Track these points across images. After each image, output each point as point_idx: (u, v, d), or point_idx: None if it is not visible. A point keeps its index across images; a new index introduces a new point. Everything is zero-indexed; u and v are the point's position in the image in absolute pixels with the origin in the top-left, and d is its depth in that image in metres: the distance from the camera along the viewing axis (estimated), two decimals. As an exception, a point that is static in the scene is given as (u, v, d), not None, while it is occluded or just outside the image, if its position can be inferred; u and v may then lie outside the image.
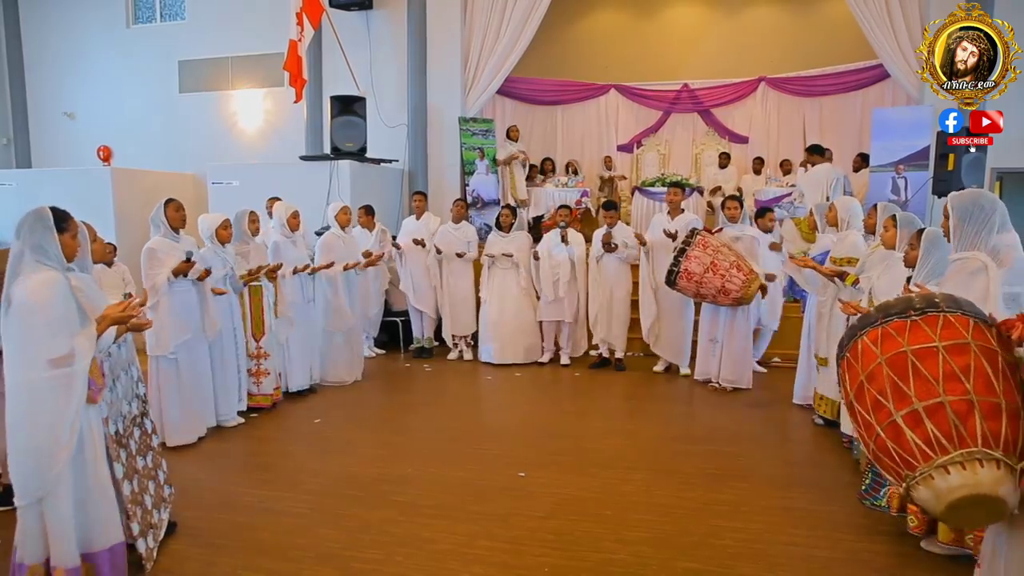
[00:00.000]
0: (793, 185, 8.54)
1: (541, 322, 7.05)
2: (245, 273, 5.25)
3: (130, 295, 5.15)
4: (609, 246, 6.56)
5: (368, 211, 7.23)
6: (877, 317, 2.16)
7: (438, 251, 7.11)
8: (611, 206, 6.88)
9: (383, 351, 7.69)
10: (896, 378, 2.02)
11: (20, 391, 2.55)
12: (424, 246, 7.13)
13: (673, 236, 6.18)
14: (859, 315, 2.56)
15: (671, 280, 5.97)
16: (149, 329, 4.36)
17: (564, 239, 6.81)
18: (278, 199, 6.35)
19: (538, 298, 6.99)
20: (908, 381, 2.00)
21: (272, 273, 5.44)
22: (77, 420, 2.58)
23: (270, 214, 6.16)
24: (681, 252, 5.88)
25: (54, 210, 2.71)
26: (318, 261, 6.07)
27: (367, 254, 6.60)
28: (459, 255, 7.13)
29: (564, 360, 7.05)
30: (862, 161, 8.55)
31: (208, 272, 4.71)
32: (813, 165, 7.95)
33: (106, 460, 2.81)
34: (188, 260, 4.53)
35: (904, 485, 2.00)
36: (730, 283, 5.70)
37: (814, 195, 7.46)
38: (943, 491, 1.90)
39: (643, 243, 6.46)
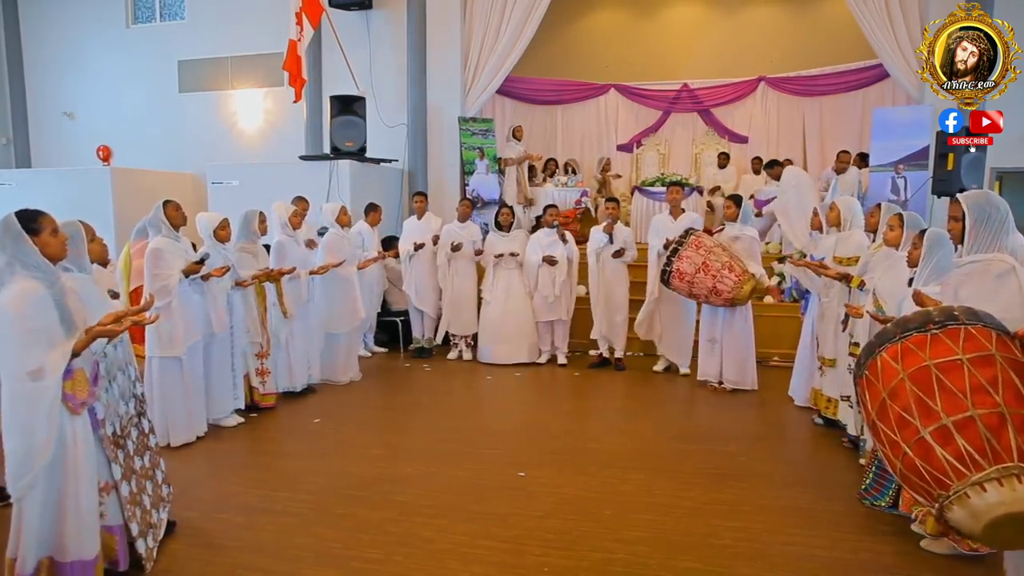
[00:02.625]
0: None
1: (538, 322, 7.05)
2: (259, 272, 5.29)
3: (116, 294, 5.13)
4: (619, 252, 6.56)
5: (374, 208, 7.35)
6: (896, 332, 2.08)
7: (455, 248, 7.05)
8: (613, 199, 6.91)
9: (384, 349, 7.69)
10: (921, 393, 1.95)
11: (5, 396, 2.56)
12: (422, 247, 7.13)
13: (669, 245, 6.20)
14: (877, 330, 2.46)
15: (664, 279, 5.99)
16: (155, 329, 4.40)
17: (563, 238, 6.81)
18: (304, 199, 6.50)
19: (532, 298, 6.99)
20: (934, 396, 1.93)
21: (280, 275, 5.45)
22: (51, 432, 2.55)
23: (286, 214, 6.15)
24: (674, 252, 5.89)
25: (21, 213, 2.64)
26: (322, 261, 6.07)
27: (394, 254, 6.85)
28: (477, 252, 7.13)
29: (561, 360, 7.04)
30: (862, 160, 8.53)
31: (221, 270, 4.76)
32: (778, 179, 8.00)
33: (92, 472, 2.77)
34: (201, 261, 4.55)
35: (937, 505, 1.91)
36: (721, 284, 5.69)
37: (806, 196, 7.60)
38: (980, 510, 1.81)
39: (667, 247, 6.25)
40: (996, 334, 2.01)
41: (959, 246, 2.80)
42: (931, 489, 1.93)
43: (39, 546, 2.65)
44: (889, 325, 2.18)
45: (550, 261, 6.78)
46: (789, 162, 9.06)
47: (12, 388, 2.53)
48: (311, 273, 5.82)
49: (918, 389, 1.97)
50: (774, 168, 8.37)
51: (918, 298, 2.80)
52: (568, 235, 6.96)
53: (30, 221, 2.62)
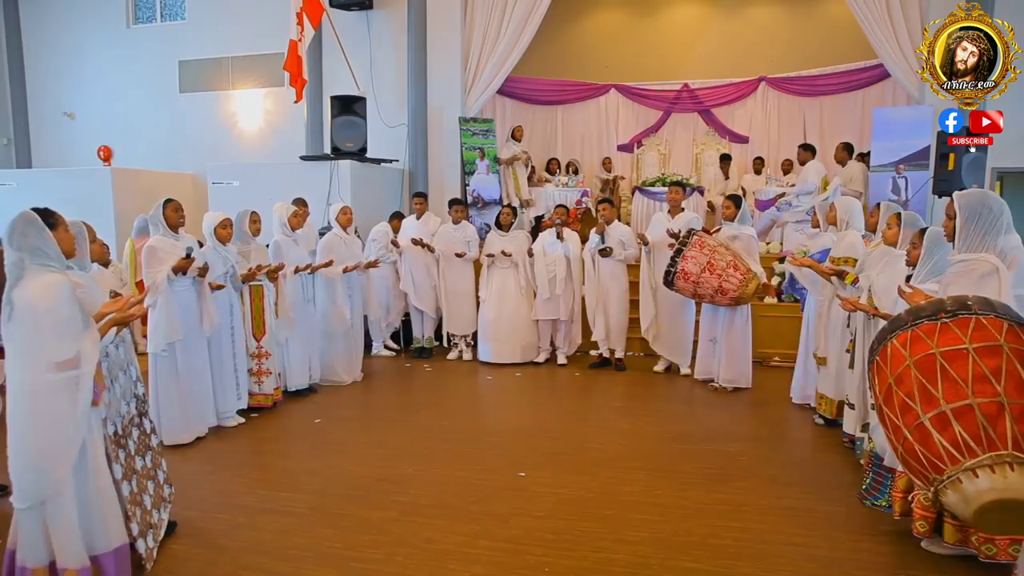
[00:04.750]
0: (792, 185, 8.58)
1: (537, 321, 7.05)
2: (245, 273, 5.23)
3: (118, 295, 5.13)
4: (605, 251, 6.56)
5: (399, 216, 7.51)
6: (907, 320, 2.12)
7: (431, 251, 7.12)
8: (607, 201, 6.93)
9: (393, 352, 7.65)
10: (924, 380, 1.99)
11: (24, 395, 2.54)
12: (423, 246, 7.13)
13: (677, 236, 6.17)
14: (889, 319, 2.48)
15: (668, 281, 5.97)
16: (145, 325, 4.41)
17: (560, 236, 6.82)
18: (303, 202, 6.51)
19: (534, 296, 7.00)
20: (936, 383, 1.97)
21: (273, 273, 5.44)
22: (84, 423, 2.58)
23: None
24: (678, 252, 5.88)
25: (39, 210, 2.69)
26: (319, 261, 6.07)
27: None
28: (458, 255, 7.13)
29: (561, 360, 7.05)
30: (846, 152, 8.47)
31: (206, 269, 4.71)
32: (804, 164, 8.01)
33: (106, 462, 2.81)
34: (188, 256, 4.53)
35: (932, 489, 1.96)
36: (727, 283, 5.69)
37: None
38: (972, 495, 1.86)
39: (645, 242, 6.46)
40: (1008, 324, 2.02)
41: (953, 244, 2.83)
42: (927, 473, 1.98)
43: (84, 544, 2.64)
44: (902, 313, 2.21)
45: (528, 252, 6.88)
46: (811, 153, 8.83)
47: (39, 384, 2.51)
48: (296, 271, 5.76)
49: (922, 376, 2.01)
50: (808, 151, 8.28)
51: (901, 294, 2.82)
52: (571, 234, 6.95)
53: (48, 216, 2.69)
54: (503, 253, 6.95)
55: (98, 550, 2.71)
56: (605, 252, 6.57)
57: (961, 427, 1.90)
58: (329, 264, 6.04)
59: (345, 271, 6.17)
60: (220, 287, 4.92)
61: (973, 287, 2.52)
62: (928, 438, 1.95)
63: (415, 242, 7.09)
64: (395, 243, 7.24)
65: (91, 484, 2.68)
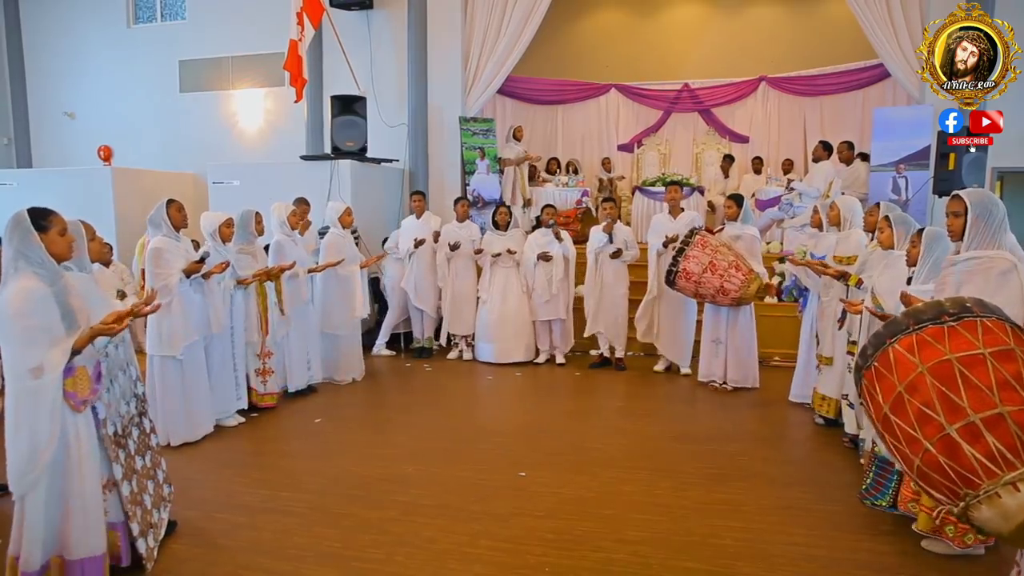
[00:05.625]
0: (791, 184, 8.57)
1: (535, 322, 7.05)
2: (260, 271, 5.28)
3: (124, 294, 5.15)
4: (616, 254, 6.57)
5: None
6: (908, 323, 2.02)
7: (453, 248, 7.06)
8: (610, 199, 6.94)
9: (393, 352, 7.66)
10: (944, 388, 1.89)
11: (11, 396, 2.58)
12: (423, 243, 7.14)
13: (672, 241, 6.19)
14: (884, 322, 2.33)
15: (670, 280, 5.97)
16: (155, 327, 4.41)
17: (558, 237, 6.82)
18: (305, 201, 6.49)
19: (529, 298, 7.00)
20: (959, 391, 1.86)
21: (280, 272, 5.45)
22: (53, 430, 2.56)
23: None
24: (680, 252, 5.89)
25: (33, 210, 2.68)
26: (323, 261, 6.08)
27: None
28: (477, 252, 7.13)
29: (559, 359, 7.05)
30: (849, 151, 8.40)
31: (222, 266, 4.76)
32: (817, 161, 7.99)
33: (96, 470, 2.78)
34: (201, 260, 4.55)
35: (961, 504, 1.85)
36: (729, 283, 5.69)
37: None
38: (1013, 510, 1.77)
39: (668, 242, 6.30)
40: (1010, 327, 1.97)
41: (956, 243, 2.81)
42: (956, 488, 1.87)
43: (46, 544, 2.65)
44: (899, 316, 2.12)
45: (544, 257, 6.81)
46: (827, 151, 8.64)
47: (16, 386, 2.55)
48: (310, 271, 5.83)
49: (941, 384, 1.90)
50: (826, 150, 7.98)
51: (905, 299, 2.81)
52: (565, 234, 6.96)
53: (40, 218, 2.67)
54: (508, 252, 6.96)
55: (72, 556, 2.69)
56: (616, 254, 6.59)
57: (994, 438, 1.80)
58: (339, 263, 6.06)
59: (362, 267, 6.31)
60: (249, 282, 5.09)
61: (993, 284, 2.49)
62: (957, 450, 1.84)
63: (418, 243, 7.09)
64: (418, 243, 7.13)
65: (72, 489, 2.67)
